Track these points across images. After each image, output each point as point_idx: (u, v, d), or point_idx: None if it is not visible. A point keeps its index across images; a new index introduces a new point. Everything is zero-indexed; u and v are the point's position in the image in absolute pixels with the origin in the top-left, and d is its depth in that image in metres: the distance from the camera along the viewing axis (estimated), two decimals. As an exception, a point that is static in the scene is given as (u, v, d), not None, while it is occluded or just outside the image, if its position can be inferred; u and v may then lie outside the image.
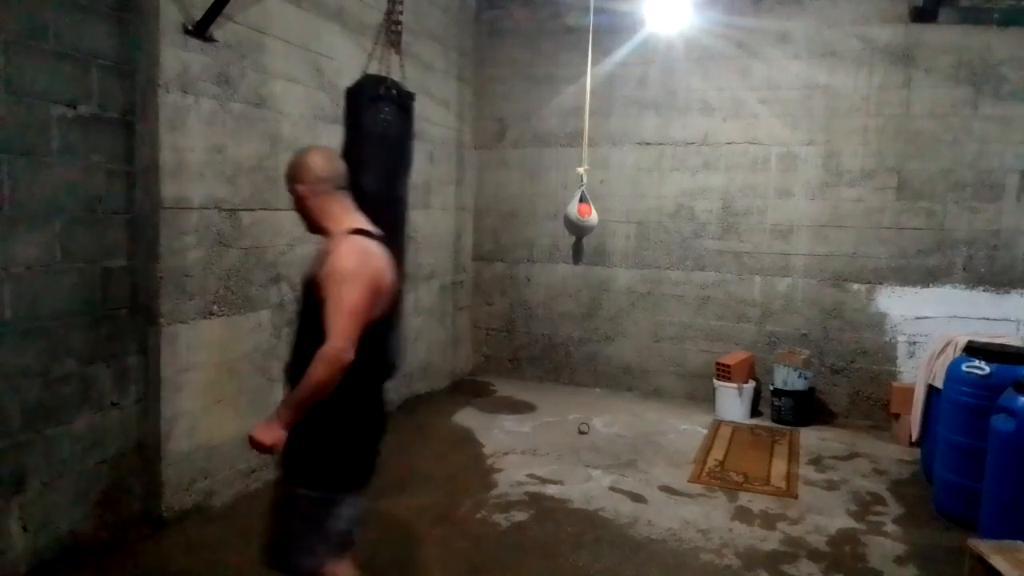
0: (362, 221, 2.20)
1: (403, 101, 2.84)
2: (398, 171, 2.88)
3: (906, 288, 5.38)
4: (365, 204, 2.65)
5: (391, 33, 3.02)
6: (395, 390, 5.47)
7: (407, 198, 2.90)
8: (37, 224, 2.88)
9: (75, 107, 3.00)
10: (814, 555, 3.38)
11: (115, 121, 3.19)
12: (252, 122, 3.78)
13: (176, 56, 3.28)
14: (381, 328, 2.16)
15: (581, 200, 5.09)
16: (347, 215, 2.20)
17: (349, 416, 2.14)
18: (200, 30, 3.35)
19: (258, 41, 3.78)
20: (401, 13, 3.02)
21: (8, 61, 2.72)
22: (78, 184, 3.03)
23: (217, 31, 3.46)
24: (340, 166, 2.25)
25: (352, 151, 2.82)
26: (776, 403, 5.44)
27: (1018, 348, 3.83)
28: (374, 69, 3.06)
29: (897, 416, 5.05)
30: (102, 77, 3.11)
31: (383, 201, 2.80)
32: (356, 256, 2.06)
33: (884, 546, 3.49)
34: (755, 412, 5.61)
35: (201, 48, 3.40)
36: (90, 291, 3.12)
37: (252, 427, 2.15)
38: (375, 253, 2.11)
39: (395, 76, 3.08)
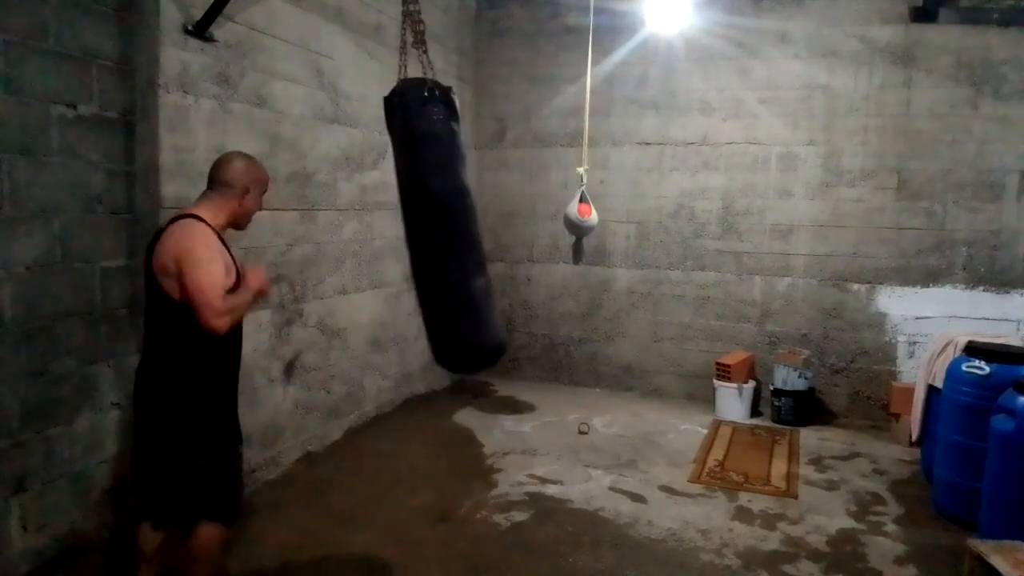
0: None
1: (447, 98, 2.93)
2: (460, 165, 3.01)
3: (906, 288, 5.39)
4: (433, 202, 2.84)
5: (415, 33, 3.03)
6: (395, 390, 5.48)
7: (469, 187, 3.03)
8: (37, 224, 2.88)
9: (75, 107, 3.00)
10: (814, 555, 3.38)
11: (115, 121, 3.19)
12: (252, 122, 3.78)
13: (176, 56, 3.28)
14: None
15: (581, 200, 5.09)
16: None
17: None
18: (200, 30, 3.35)
19: (258, 41, 3.79)
20: (419, 11, 3.01)
21: (8, 61, 2.72)
22: (78, 184, 3.03)
23: (217, 31, 3.46)
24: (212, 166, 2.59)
25: (411, 157, 2.91)
26: (776, 403, 5.44)
27: (1018, 348, 3.83)
28: (392, 70, 3.09)
29: (897, 416, 5.05)
30: (102, 77, 3.11)
31: (453, 195, 2.93)
32: None
33: (884, 546, 3.49)
34: (755, 412, 5.61)
35: (201, 48, 3.41)
36: (90, 291, 3.12)
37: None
38: None
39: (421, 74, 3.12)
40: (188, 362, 2.40)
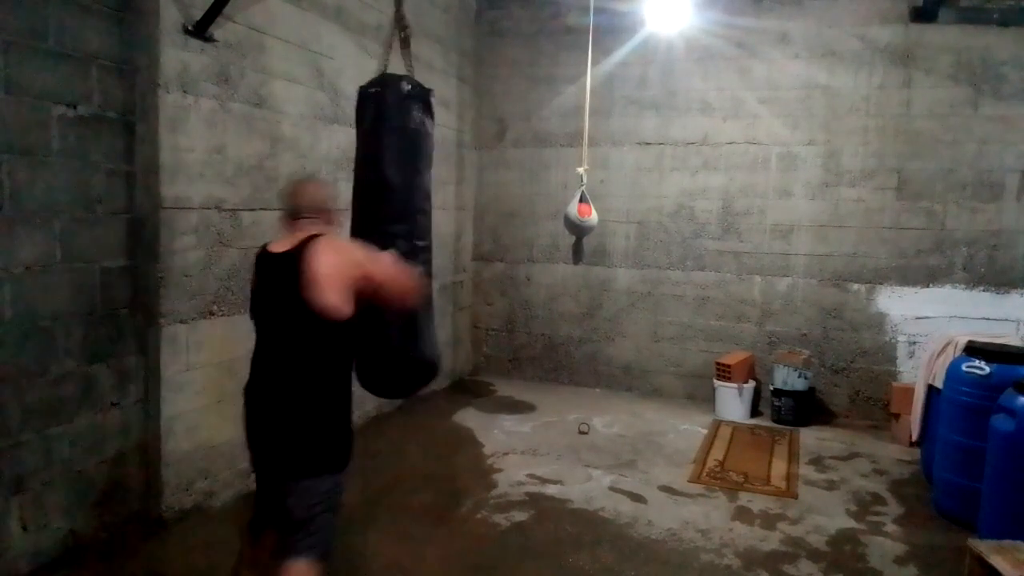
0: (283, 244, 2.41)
1: (426, 99, 2.95)
2: (425, 165, 3.09)
3: (906, 288, 5.39)
4: (394, 198, 2.88)
5: (401, 32, 3.04)
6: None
7: (430, 191, 3.16)
8: (37, 224, 2.88)
9: (75, 107, 3.00)
10: (814, 555, 3.38)
11: (115, 121, 3.19)
12: (252, 122, 3.78)
13: (176, 56, 3.28)
14: None
15: (581, 200, 5.10)
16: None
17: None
18: (200, 30, 3.35)
19: (258, 41, 3.78)
20: (404, 16, 3.04)
21: (8, 61, 2.72)
22: (78, 184, 3.03)
23: (217, 31, 3.46)
24: (290, 197, 2.51)
25: (377, 147, 2.92)
26: (776, 403, 5.44)
27: (1018, 348, 3.83)
28: (392, 69, 3.10)
29: (897, 416, 5.05)
30: (102, 77, 3.11)
31: (414, 191, 3.02)
32: None
33: (884, 546, 3.49)
34: (755, 412, 5.61)
35: (201, 48, 3.40)
36: (90, 291, 3.12)
37: None
38: None
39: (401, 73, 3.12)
40: (327, 382, 2.35)
